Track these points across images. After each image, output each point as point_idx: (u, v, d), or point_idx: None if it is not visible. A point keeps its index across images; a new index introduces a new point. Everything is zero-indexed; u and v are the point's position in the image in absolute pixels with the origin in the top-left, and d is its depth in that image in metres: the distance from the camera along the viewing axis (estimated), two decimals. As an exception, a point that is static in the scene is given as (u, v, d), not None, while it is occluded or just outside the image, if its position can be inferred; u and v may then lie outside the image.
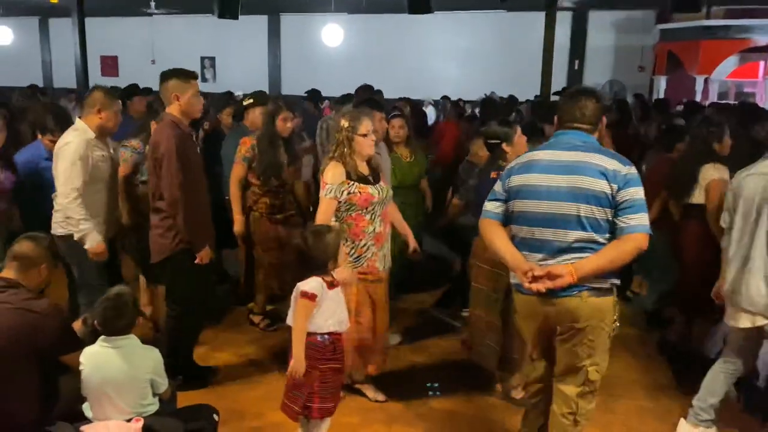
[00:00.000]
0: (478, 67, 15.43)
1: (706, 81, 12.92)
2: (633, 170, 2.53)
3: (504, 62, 15.08)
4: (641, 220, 2.47)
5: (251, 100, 4.96)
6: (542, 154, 2.66)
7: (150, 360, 2.71)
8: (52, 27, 19.65)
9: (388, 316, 3.70)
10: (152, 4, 14.84)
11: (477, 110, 9.78)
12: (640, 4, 14.22)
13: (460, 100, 12.04)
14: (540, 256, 2.60)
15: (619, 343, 2.80)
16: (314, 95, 8.30)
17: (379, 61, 15.65)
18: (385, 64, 15.47)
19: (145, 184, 4.09)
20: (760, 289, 3.10)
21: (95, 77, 13.78)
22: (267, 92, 6.42)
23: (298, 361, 2.73)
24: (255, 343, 4.47)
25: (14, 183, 3.85)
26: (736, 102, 11.85)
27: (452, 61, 15.84)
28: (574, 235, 2.52)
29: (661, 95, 12.95)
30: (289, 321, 2.85)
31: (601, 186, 2.48)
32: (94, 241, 3.57)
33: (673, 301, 4.58)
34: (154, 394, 2.74)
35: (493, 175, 3.55)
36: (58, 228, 3.60)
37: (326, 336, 2.80)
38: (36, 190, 3.92)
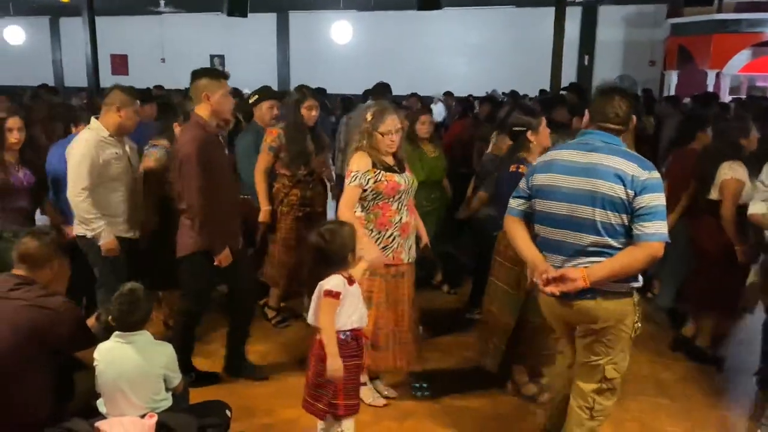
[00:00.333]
0: (488, 63, 15.39)
1: (717, 75, 12.82)
2: (654, 175, 2.47)
3: (513, 58, 15.04)
4: (658, 228, 2.41)
5: (256, 96, 4.96)
6: (564, 154, 2.65)
7: (163, 355, 2.72)
8: (62, 26, 19.78)
9: (414, 308, 3.65)
10: (161, 2, 14.92)
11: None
12: (650, -2, 14.15)
13: (470, 95, 12.00)
14: (558, 257, 2.62)
15: (633, 340, 2.81)
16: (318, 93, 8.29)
17: (388, 58, 15.64)
18: (394, 61, 15.47)
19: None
20: None
21: (105, 76, 13.85)
22: (275, 89, 6.42)
23: (335, 359, 2.69)
24: (266, 339, 4.48)
25: (34, 182, 3.88)
26: (750, 96, 11.74)
27: (461, 57, 15.81)
28: (589, 239, 2.51)
29: (672, 90, 12.88)
30: (311, 320, 2.83)
31: (618, 191, 2.44)
32: (105, 238, 3.62)
33: (685, 296, 4.55)
34: (167, 389, 2.75)
35: (512, 168, 3.54)
36: (77, 227, 3.66)
37: (348, 332, 2.79)
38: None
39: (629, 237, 2.47)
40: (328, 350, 2.71)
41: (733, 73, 13.48)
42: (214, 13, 15.04)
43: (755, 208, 3.61)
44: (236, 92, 7.22)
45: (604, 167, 2.49)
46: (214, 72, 3.55)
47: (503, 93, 10.61)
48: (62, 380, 2.74)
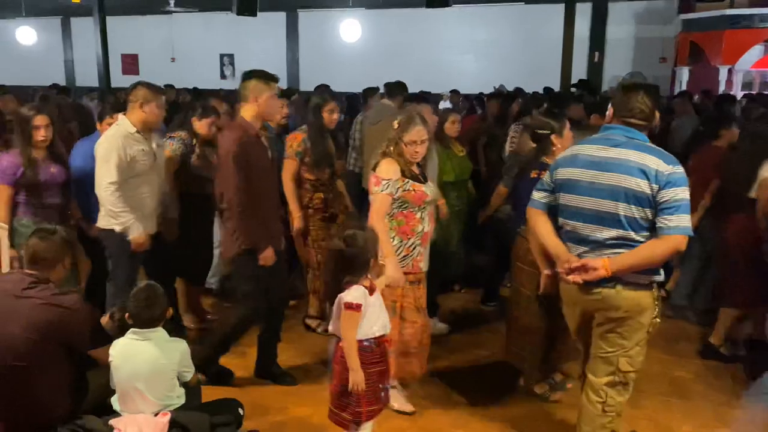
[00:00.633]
0: (497, 61, 15.32)
1: (730, 71, 12.69)
2: (678, 169, 2.49)
3: (523, 55, 14.96)
4: (681, 221, 2.45)
5: None
6: (587, 149, 2.68)
7: (177, 351, 2.75)
8: (74, 26, 19.89)
9: (426, 315, 3.62)
10: (171, 2, 14.96)
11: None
12: (661, -6, 14.04)
13: (481, 93, 11.95)
14: (581, 249, 2.66)
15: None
16: (323, 91, 8.26)
17: (397, 56, 15.60)
18: (403, 59, 15.42)
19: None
20: None
21: (116, 76, 13.94)
22: (285, 88, 6.43)
23: (357, 373, 2.68)
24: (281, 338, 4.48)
25: (67, 178, 3.93)
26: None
27: (470, 55, 15.75)
28: (612, 232, 2.55)
29: (684, 87, 12.75)
30: (333, 330, 2.82)
31: (642, 186, 2.47)
32: (136, 232, 3.65)
33: (717, 294, 4.52)
34: (181, 384, 2.78)
35: (533, 174, 3.50)
36: (101, 221, 3.69)
37: (372, 340, 2.77)
38: (90, 179, 3.98)
39: (652, 231, 2.51)
40: (350, 364, 2.69)
41: (745, 69, 13.33)
42: (223, 12, 15.08)
43: None
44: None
45: (628, 162, 2.51)
46: (265, 74, 3.56)
47: (507, 92, 10.56)
48: (77, 378, 2.76)
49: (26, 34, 17.79)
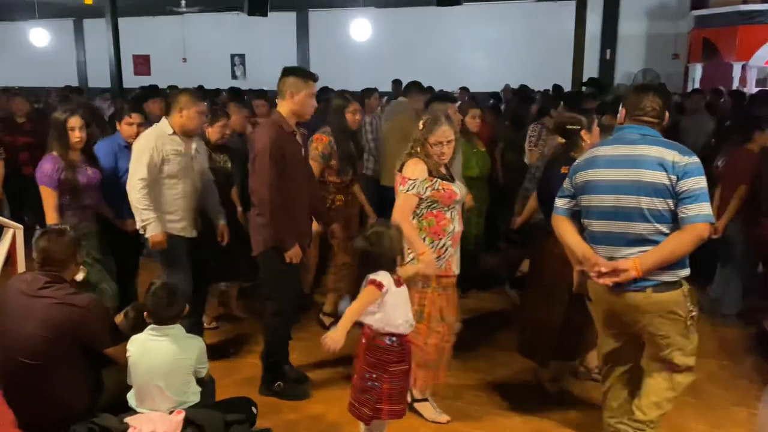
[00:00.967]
0: (508, 59, 15.26)
1: (743, 68, 12.56)
2: (694, 160, 2.57)
3: (534, 53, 14.88)
4: (701, 209, 2.51)
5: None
6: (604, 150, 2.77)
7: (194, 348, 2.77)
8: (86, 28, 20.02)
9: (453, 323, 3.59)
10: (182, 2, 15.03)
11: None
12: (674, -9, 13.92)
13: (506, 87, 11.88)
14: (608, 248, 2.70)
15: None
16: (324, 93, 8.23)
17: (408, 54, 15.58)
18: (414, 57, 15.39)
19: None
20: None
21: (128, 76, 14.02)
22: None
23: (340, 331, 2.63)
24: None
25: (101, 178, 3.98)
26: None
27: (480, 53, 15.69)
28: (639, 227, 2.61)
29: (697, 84, 12.65)
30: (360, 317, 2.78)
31: (660, 178, 2.54)
32: (152, 231, 3.67)
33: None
34: (196, 381, 2.80)
35: (563, 170, 3.44)
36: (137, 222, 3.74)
37: (393, 338, 2.76)
38: (113, 179, 4.08)
39: (675, 222, 2.56)
40: (339, 323, 2.67)
41: (759, 65, 13.17)
42: (234, 12, 15.13)
43: None
44: (262, 93, 7.26)
45: (646, 157, 2.59)
46: (304, 72, 3.59)
47: (513, 90, 10.51)
48: (92, 376, 2.79)
49: (39, 35, 17.92)
